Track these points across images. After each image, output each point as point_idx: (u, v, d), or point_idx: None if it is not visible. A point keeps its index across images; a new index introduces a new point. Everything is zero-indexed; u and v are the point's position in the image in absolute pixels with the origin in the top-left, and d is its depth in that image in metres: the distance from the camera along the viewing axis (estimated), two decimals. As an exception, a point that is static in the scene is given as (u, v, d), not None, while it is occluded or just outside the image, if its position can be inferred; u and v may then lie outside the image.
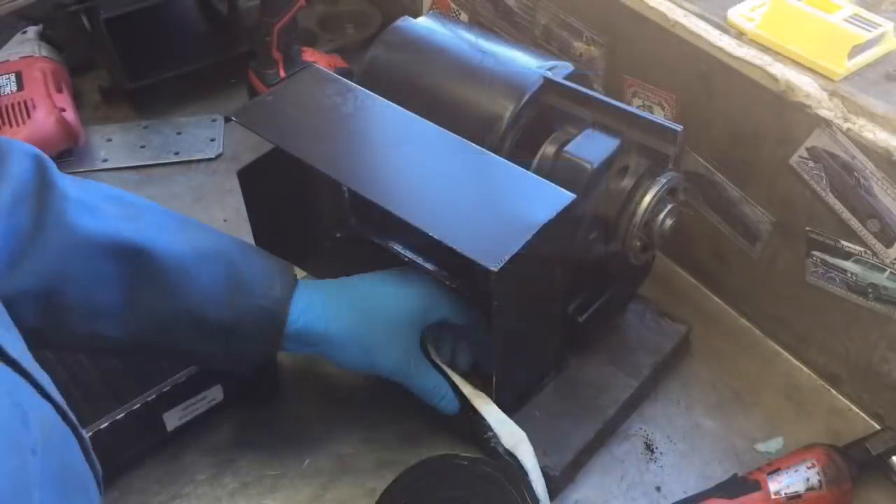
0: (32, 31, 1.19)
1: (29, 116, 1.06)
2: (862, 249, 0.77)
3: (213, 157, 1.14)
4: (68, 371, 0.80)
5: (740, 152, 0.85)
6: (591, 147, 0.74)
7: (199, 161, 1.14)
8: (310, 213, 0.92)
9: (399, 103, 0.78)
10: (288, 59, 1.14)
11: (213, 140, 1.16)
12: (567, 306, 0.81)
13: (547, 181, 0.71)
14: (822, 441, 0.78)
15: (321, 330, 0.73)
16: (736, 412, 0.85)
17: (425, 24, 0.86)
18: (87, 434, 0.52)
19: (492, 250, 0.64)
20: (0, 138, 0.66)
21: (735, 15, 0.83)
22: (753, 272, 0.89)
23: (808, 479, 0.74)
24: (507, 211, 0.69)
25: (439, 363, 0.78)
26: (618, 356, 0.85)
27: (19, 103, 1.07)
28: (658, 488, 0.79)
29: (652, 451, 0.82)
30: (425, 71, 0.81)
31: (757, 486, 0.74)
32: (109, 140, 1.16)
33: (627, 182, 0.75)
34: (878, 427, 0.82)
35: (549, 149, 0.77)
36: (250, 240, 0.89)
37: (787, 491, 0.74)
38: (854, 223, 0.77)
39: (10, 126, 1.06)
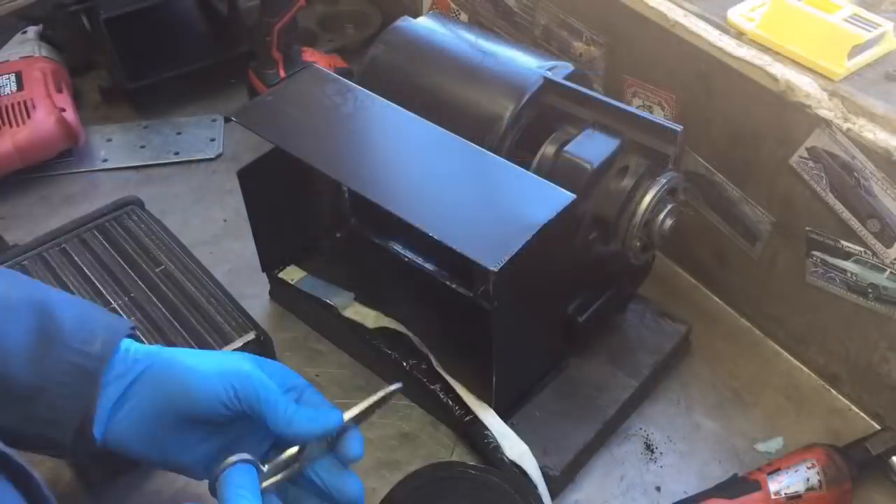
0: (32, 31, 1.19)
1: (29, 116, 1.06)
2: (862, 249, 0.77)
3: (213, 157, 1.14)
4: None
5: (740, 152, 0.85)
6: (591, 147, 0.74)
7: (199, 161, 1.14)
8: (310, 213, 0.92)
9: (399, 103, 0.78)
10: (288, 59, 1.14)
11: (213, 140, 1.16)
12: (567, 306, 0.81)
13: (547, 181, 0.71)
14: (822, 441, 0.78)
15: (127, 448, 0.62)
16: (736, 412, 0.85)
17: (425, 24, 0.86)
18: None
19: (492, 250, 0.64)
20: None
21: (735, 15, 0.83)
22: (753, 272, 0.89)
23: (808, 479, 0.74)
24: (506, 211, 0.69)
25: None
26: (618, 356, 0.85)
27: (19, 103, 1.07)
28: (658, 488, 0.79)
29: (652, 451, 0.82)
30: (425, 71, 0.81)
31: (757, 486, 0.74)
32: (109, 140, 1.16)
33: (627, 182, 0.75)
34: (878, 427, 0.82)
35: (549, 149, 0.77)
36: (250, 240, 0.89)
37: (787, 491, 0.74)
38: (854, 223, 0.77)
39: (10, 126, 1.05)
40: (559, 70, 0.79)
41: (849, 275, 0.79)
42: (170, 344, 0.79)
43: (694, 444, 0.82)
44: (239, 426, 0.63)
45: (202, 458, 0.63)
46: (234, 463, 0.56)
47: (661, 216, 0.75)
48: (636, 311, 0.89)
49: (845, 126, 0.74)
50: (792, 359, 0.90)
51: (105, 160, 1.13)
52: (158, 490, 0.78)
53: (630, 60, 0.93)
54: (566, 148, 0.74)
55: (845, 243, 0.78)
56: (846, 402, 0.86)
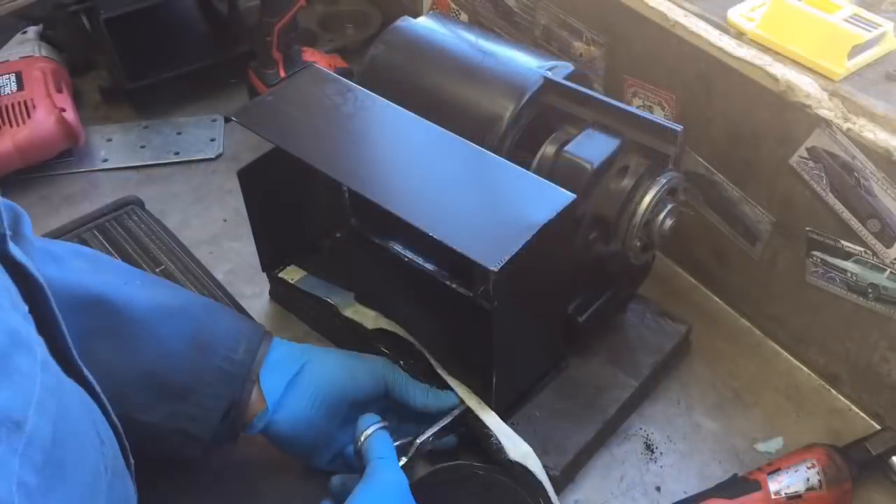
0: (32, 31, 1.20)
1: (29, 116, 1.06)
2: (862, 249, 0.77)
3: (213, 157, 1.14)
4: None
5: (740, 152, 0.85)
6: (591, 147, 0.74)
7: (199, 161, 1.14)
8: (310, 213, 0.92)
9: (399, 103, 0.78)
10: (288, 59, 1.14)
11: (213, 140, 1.16)
12: (567, 306, 0.81)
13: (547, 181, 0.71)
14: (822, 441, 0.78)
15: (286, 433, 0.72)
16: (736, 412, 0.85)
17: (425, 24, 0.86)
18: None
19: (492, 250, 0.64)
20: None
21: (735, 15, 0.83)
22: (753, 272, 0.89)
23: (808, 479, 0.74)
24: (507, 211, 0.69)
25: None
26: (618, 356, 0.85)
27: (19, 103, 1.07)
28: (658, 488, 0.79)
29: (652, 451, 0.82)
30: (425, 71, 0.81)
31: (757, 486, 0.74)
32: (109, 140, 1.16)
33: (627, 182, 0.75)
34: (878, 427, 0.82)
35: (549, 149, 0.77)
36: (250, 240, 0.89)
37: (787, 491, 0.74)
38: (854, 223, 0.77)
39: (10, 126, 1.06)
40: (559, 70, 0.79)
41: (849, 275, 0.79)
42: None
43: (694, 444, 0.82)
44: (370, 407, 0.75)
45: (352, 437, 0.72)
46: (380, 427, 0.70)
47: (661, 216, 0.75)
48: (636, 311, 0.89)
49: (845, 126, 0.74)
50: (792, 359, 0.90)
51: (105, 160, 1.13)
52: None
53: (630, 60, 0.93)
54: (566, 148, 0.74)
55: (845, 243, 0.78)
56: (846, 402, 0.86)
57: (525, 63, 0.80)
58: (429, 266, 0.89)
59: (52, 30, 1.21)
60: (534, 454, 0.74)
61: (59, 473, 0.40)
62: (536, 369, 0.82)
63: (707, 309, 0.95)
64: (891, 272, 0.76)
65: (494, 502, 0.73)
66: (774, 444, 0.82)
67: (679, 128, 0.74)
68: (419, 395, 0.76)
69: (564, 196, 0.69)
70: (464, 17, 1.15)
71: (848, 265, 0.79)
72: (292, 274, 0.91)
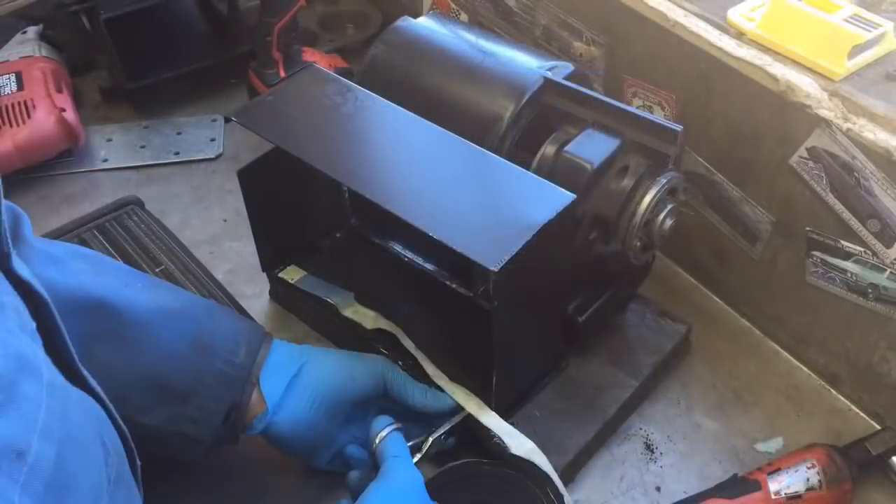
0: (32, 31, 1.20)
1: (29, 116, 1.06)
2: (862, 249, 0.77)
3: (213, 157, 1.14)
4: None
5: (740, 152, 0.85)
6: (591, 147, 0.74)
7: (199, 161, 1.14)
8: (310, 213, 0.92)
9: (399, 103, 0.78)
10: (288, 59, 1.14)
11: (213, 140, 1.16)
12: (567, 306, 0.81)
13: (547, 181, 0.71)
14: (822, 441, 0.78)
15: (286, 433, 0.72)
16: (736, 412, 0.85)
17: (425, 24, 0.86)
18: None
19: (492, 250, 0.64)
20: None
21: (735, 15, 0.83)
22: (753, 272, 0.89)
23: (808, 479, 0.74)
24: (507, 211, 0.69)
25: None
26: (618, 356, 0.85)
27: (19, 103, 1.07)
28: (658, 488, 0.79)
29: (652, 451, 0.82)
30: (425, 71, 0.81)
31: (757, 486, 0.74)
32: (109, 140, 1.16)
33: (627, 182, 0.75)
34: (878, 427, 0.82)
35: (549, 149, 0.77)
36: (250, 240, 0.89)
37: (787, 491, 0.74)
38: (854, 223, 0.77)
39: (10, 126, 1.06)
40: (559, 70, 0.79)
41: (849, 275, 0.79)
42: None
43: (694, 444, 0.82)
44: (370, 406, 0.76)
45: (352, 437, 0.75)
46: (394, 429, 0.71)
47: (661, 216, 0.75)
48: (636, 311, 0.89)
49: (845, 126, 0.74)
50: (792, 359, 0.90)
51: (105, 160, 1.13)
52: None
53: (630, 60, 0.93)
54: (566, 148, 0.74)
55: (845, 243, 0.78)
56: (846, 402, 0.86)
57: (525, 63, 0.80)
58: (429, 266, 0.89)
59: (52, 30, 1.21)
60: (538, 450, 0.74)
61: (59, 498, 0.40)
62: (536, 369, 0.82)
63: (707, 309, 0.95)
64: (891, 272, 0.76)
65: (505, 496, 0.73)
66: (774, 444, 0.82)
67: (679, 128, 0.74)
68: (418, 394, 0.76)
69: (564, 196, 0.69)
70: (464, 17, 1.15)
71: (848, 265, 0.79)
72: (292, 274, 0.91)
